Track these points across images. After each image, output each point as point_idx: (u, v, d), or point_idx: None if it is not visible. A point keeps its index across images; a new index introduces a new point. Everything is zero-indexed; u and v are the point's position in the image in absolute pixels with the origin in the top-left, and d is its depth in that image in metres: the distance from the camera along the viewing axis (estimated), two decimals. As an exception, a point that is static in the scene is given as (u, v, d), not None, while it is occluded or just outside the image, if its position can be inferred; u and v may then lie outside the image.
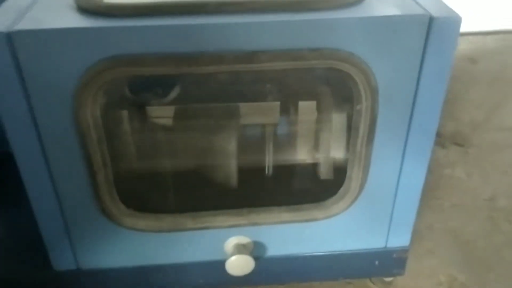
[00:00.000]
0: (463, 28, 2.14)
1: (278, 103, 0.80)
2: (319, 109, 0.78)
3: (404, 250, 0.85)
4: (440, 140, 1.33)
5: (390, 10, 0.64)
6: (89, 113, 0.64)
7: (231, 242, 0.79)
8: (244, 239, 0.79)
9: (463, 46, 1.85)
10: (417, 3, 0.66)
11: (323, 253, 0.84)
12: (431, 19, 0.62)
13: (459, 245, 1.02)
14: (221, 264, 0.80)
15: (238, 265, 0.77)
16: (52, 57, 0.60)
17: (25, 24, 0.60)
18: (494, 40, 1.91)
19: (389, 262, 0.86)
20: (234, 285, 0.88)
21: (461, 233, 1.04)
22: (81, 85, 0.62)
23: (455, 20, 0.63)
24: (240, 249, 0.79)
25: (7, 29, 0.59)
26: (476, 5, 2.01)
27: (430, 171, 1.26)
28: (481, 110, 1.47)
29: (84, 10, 0.63)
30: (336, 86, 0.80)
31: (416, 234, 1.02)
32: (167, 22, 0.61)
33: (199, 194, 0.80)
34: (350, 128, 0.73)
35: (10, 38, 0.58)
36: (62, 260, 0.79)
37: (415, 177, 0.76)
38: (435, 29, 0.62)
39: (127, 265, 0.80)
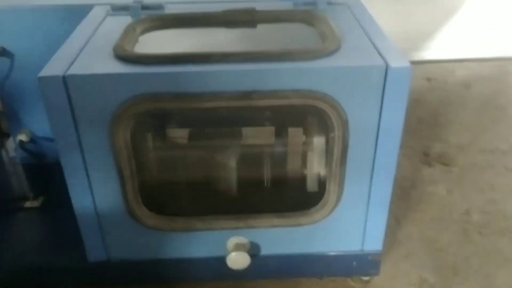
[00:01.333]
0: (461, 55, 2.30)
1: (273, 128, 0.98)
2: (305, 133, 0.96)
3: (377, 253, 1.01)
4: (427, 159, 1.48)
5: (354, 60, 0.82)
6: (122, 136, 0.83)
7: (232, 241, 0.97)
8: (242, 239, 0.97)
9: (459, 72, 2.00)
10: (378, 53, 0.83)
11: (308, 253, 1.00)
12: (387, 68, 0.79)
13: (432, 252, 1.16)
14: (222, 259, 0.97)
15: (237, 260, 0.94)
16: (95, 94, 0.80)
17: (76, 70, 0.80)
18: (489, 66, 2.05)
19: (365, 263, 1.02)
20: (233, 278, 1.05)
21: (435, 242, 1.19)
22: (116, 116, 0.81)
23: (406, 68, 0.80)
24: (239, 247, 0.96)
25: (62, 73, 0.78)
26: (474, 34, 2.16)
27: (414, 187, 1.42)
28: (469, 133, 1.62)
29: (120, 58, 0.83)
30: (317, 116, 0.97)
31: (395, 242, 1.19)
32: (182, 69, 0.80)
33: (206, 201, 0.99)
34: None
35: (65, 80, 0.78)
36: (95, 253, 0.98)
37: (383, 191, 0.92)
38: (390, 75, 0.79)
39: (147, 258, 0.99)
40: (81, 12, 1.10)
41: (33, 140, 1.25)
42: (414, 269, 1.12)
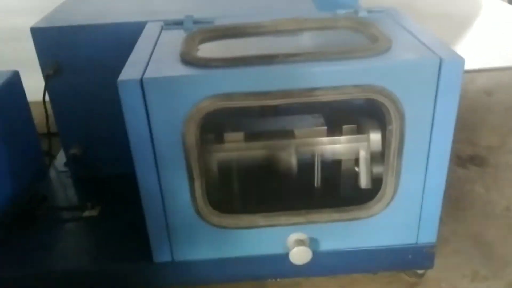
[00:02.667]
0: (481, 65, 2.38)
1: (325, 128, 1.03)
2: (359, 131, 1.00)
3: (432, 246, 1.04)
4: (461, 162, 1.52)
5: (410, 56, 0.87)
6: (193, 136, 0.88)
7: (292, 237, 1.00)
8: (302, 235, 1.00)
9: (480, 80, 2.06)
10: (430, 49, 0.89)
11: (364, 248, 1.04)
12: (441, 61, 0.85)
13: (480, 246, 1.20)
14: (282, 257, 1.01)
15: (300, 255, 0.98)
16: (169, 96, 0.85)
17: (150, 73, 0.85)
18: (508, 75, 2.11)
19: (420, 256, 1.05)
20: (291, 276, 1.09)
21: (481, 237, 1.22)
22: (189, 117, 0.86)
23: (459, 61, 0.85)
24: (299, 243, 1.00)
25: (139, 77, 0.84)
26: (491, 44, 2.23)
27: (453, 187, 1.45)
28: (497, 136, 1.67)
29: (189, 63, 0.88)
30: (370, 113, 1.03)
31: (442, 238, 1.21)
32: (248, 70, 0.85)
33: (268, 198, 1.03)
34: (384, 145, 0.95)
35: (142, 83, 0.84)
36: (161, 253, 1.02)
37: (437, 182, 0.96)
38: (444, 68, 0.85)
39: (210, 257, 1.02)
40: (131, 30, 1.17)
41: (85, 154, 1.31)
42: (465, 262, 1.15)
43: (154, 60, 0.91)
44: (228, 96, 0.85)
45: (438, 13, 2.20)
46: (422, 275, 1.10)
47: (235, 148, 1.02)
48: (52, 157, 1.44)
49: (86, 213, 1.18)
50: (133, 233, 1.12)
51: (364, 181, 1.03)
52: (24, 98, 1.32)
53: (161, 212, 0.96)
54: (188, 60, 0.89)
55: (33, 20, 2.21)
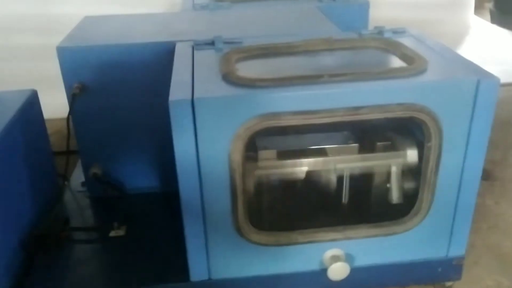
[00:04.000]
0: None
1: (357, 145, 1.05)
2: (393, 148, 1.03)
3: (461, 258, 1.08)
4: (468, 175, 1.57)
5: (449, 76, 0.91)
6: (238, 155, 0.89)
7: (328, 254, 1.02)
8: (338, 251, 1.02)
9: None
10: (465, 69, 0.93)
11: (398, 262, 1.06)
12: (479, 81, 0.89)
13: (498, 257, 1.24)
14: (317, 273, 1.02)
15: (338, 271, 0.99)
16: (218, 116, 0.86)
17: (200, 93, 0.86)
18: (503, 91, 2.20)
19: (449, 268, 1.09)
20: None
21: (499, 248, 1.27)
22: (236, 135, 0.87)
23: (495, 81, 0.90)
24: (336, 259, 1.01)
25: (189, 97, 0.85)
26: (485, 61, 2.33)
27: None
28: (498, 151, 1.73)
29: (233, 82, 0.90)
30: (401, 130, 1.06)
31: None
32: (295, 90, 0.87)
33: (306, 215, 1.05)
34: (420, 162, 0.98)
35: (193, 103, 0.84)
36: (198, 272, 1.01)
37: (469, 196, 1.00)
38: (481, 87, 0.89)
39: (246, 275, 1.02)
40: (155, 50, 1.18)
41: (105, 173, 1.29)
42: (486, 273, 1.18)
43: (198, 80, 0.92)
44: (276, 115, 0.87)
45: (431, 33, 2.29)
46: (449, 287, 1.13)
47: (269, 166, 1.03)
48: (65, 177, 1.42)
49: (113, 233, 1.17)
50: (163, 252, 1.11)
51: (395, 197, 1.06)
52: (41, 116, 1.30)
53: (201, 230, 0.96)
54: (233, 80, 0.90)
55: (35, 38, 2.19)
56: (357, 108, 0.88)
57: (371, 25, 1.61)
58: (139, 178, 1.31)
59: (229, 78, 0.91)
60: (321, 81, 0.88)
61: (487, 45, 2.72)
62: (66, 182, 1.40)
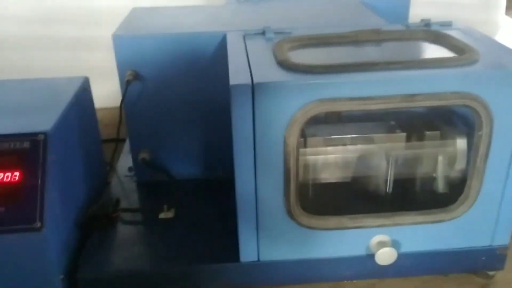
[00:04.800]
0: None
1: (404, 134, 1.08)
2: (442, 137, 1.05)
3: (505, 247, 1.09)
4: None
5: (501, 65, 0.93)
6: (294, 139, 0.92)
7: (375, 239, 1.04)
8: (385, 237, 1.04)
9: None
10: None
11: (442, 250, 1.08)
12: (528, 71, 0.90)
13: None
14: (363, 258, 1.05)
15: (386, 256, 1.02)
16: (276, 100, 0.89)
17: (258, 78, 0.90)
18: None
19: (493, 257, 1.10)
20: (367, 277, 1.12)
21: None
22: (293, 120, 0.90)
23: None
24: (382, 245, 1.03)
25: (249, 82, 0.88)
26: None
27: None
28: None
29: (289, 69, 0.93)
30: (456, 119, 1.08)
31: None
32: (351, 76, 0.90)
33: (355, 200, 1.07)
34: (469, 150, 1.00)
35: (253, 87, 0.88)
36: (248, 253, 1.05)
37: (516, 186, 1.01)
38: (532, 77, 0.91)
39: (294, 258, 1.05)
40: (205, 40, 1.22)
41: (153, 159, 1.34)
42: (529, 264, 1.20)
43: (254, 67, 0.95)
44: (332, 100, 0.90)
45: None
46: (492, 277, 1.15)
47: (318, 152, 1.06)
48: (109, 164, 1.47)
49: (162, 215, 1.21)
50: (211, 234, 1.15)
51: (441, 186, 1.08)
52: (93, 103, 1.36)
53: (253, 213, 1.00)
54: (289, 66, 0.93)
55: (76, 29, 2.25)
56: (412, 95, 0.90)
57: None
58: (185, 164, 1.35)
59: (286, 65, 0.94)
60: (377, 68, 0.91)
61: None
62: (111, 167, 1.45)
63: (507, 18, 3.04)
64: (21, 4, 2.09)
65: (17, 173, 0.99)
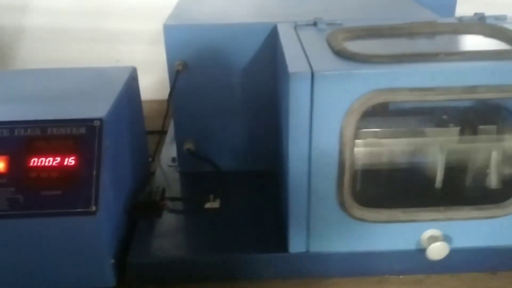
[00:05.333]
0: None
1: (458, 128, 1.07)
2: (498, 132, 1.04)
3: (551, 246, 1.07)
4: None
5: None
6: (352, 129, 0.92)
7: (427, 234, 1.03)
8: (437, 232, 1.03)
9: None
10: None
11: (493, 247, 1.06)
12: None
13: None
14: (413, 252, 1.04)
15: (438, 250, 1.00)
16: (334, 89, 0.89)
17: (317, 68, 0.89)
18: None
19: (541, 256, 1.08)
20: (414, 272, 1.11)
21: None
22: (351, 110, 0.90)
23: None
24: (434, 239, 1.02)
25: (309, 70, 0.88)
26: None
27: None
28: None
29: (348, 58, 0.93)
30: (501, 116, 1.06)
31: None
32: (412, 67, 0.89)
33: (409, 194, 1.06)
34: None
35: (313, 76, 0.88)
36: (297, 244, 1.05)
37: None
38: None
39: (346, 250, 1.04)
40: (254, 31, 1.22)
41: (198, 150, 1.35)
42: None
43: (311, 56, 0.95)
44: (392, 91, 0.89)
45: None
46: (540, 276, 1.12)
47: (372, 144, 1.05)
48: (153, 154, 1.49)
49: (208, 205, 1.22)
50: (258, 225, 1.16)
51: (494, 182, 1.06)
52: (139, 92, 1.37)
53: (305, 204, 0.99)
54: (347, 56, 0.93)
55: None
56: (474, 87, 0.89)
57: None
58: (228, 155, 1.36)
59: (344, 54, 0.93)
60: (438, 59, 0.90)
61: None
62: (154, 158, 1.47)
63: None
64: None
65: (73, 158, 1.01)
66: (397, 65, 0.89)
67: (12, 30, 2.14)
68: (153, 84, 1.90)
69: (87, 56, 2.10)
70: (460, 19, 1.16)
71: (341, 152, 0.94)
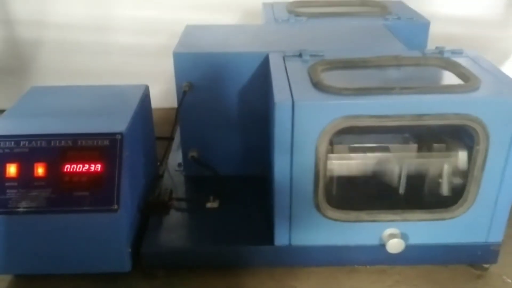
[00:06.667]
0: None
1: (416, 145, 1.29)
2: (447, 149, 1.26)
3: (498, 244, 1.28)
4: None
5: (497, 93, 1.13)
6: (324, 147, 1.14)
7: (387, 232, 1.25)
8: (395, 230, 1.25)
9: None
10: (507, 87, 1.15)
11: (444, 244, 1.28)
12: (519, 99, 1.10)
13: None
14: (377, 247, 1.27)
15: (395, 245, 1.23)
16: (311, 115, 1.11)
17: (297, 98, 1.12)
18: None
19: (488, 253, 1.30)
20: (378, 263, 1.34)
21: (533, 242, 1.47)
22: (324, 132, 1.12)
23: (535, 99, 1.11)
24: (393, 236, 1.25)
25: (290, 100, 1.11)
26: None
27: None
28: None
29: (323, 90, 1.15)
30: (455, 135, 1.28)
31: (501, 241, 1.45)
32: (372, 98, 1.12)
33: (372, 199, 1.29)
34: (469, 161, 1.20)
35: (293, 105, 1.10)
36: (281, 238, 1.27)
37: (508, 193, 1.20)
38: (524, 104, 1.11)
39: (321, 244, 1.27)
40: (249, 58, 1.44)
41: (201, 157, 1.57)
42: (520, 260, 1.39)
43: (294, 87, 1.17)
44: (356, 117, 1.11)
45: (481, 47, 2.49)
46: (486, 269, 1.34)
47: (343, 157, 1.28)
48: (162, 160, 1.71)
49: (209, 205, 1.44)
50: (251, 222, 1.38)
51: (445, 190, 1.28)
52: (151, 107, 1.59)
53: (288, 205, 1.22)
54: (322, 88, 1.15)
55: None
56: (421, 115, 1.11)
57: (430, 39, 1.83)
58: (227, 163, 1.58)
59: (320, 86, 1.16)
60: (393, 92, 1.12)
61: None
62: (162, 163, 1.69)
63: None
64: (76, 12, 2.35)
65: (99, 165, 1.24)
66: (360, 96, 1.12)
67: (32, 43, 2.36)
68: (161, 93, 2.12)
69: (101, 68, 2.31)
70: (423, 52, 1.38)
71: (316, 165, 1.16)
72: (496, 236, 1.27)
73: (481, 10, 2.80)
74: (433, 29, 1.88)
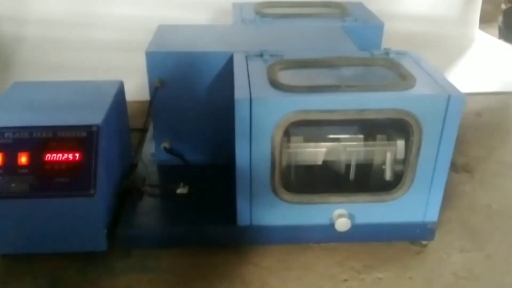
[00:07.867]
0: (472, 89, 2.94)
1: (362, 136, 1.45)
2: (388, 139, 1.42)
3: (434, 223, 1.46)
4: (454, 168, 1.94)
5: (429, 91, 1.30)
6: (278, 137, 1.29)
7: (336, 212, 1.42)
8: (343, 211, 1.42)
9: (471, 103, 2.50)
10: (441, 86, 1.31)
11: (387, 223, 1.45)
12: (449, 96, 1.27)
13: (467, 229, 1.61)
14: (328, 226, 1.43)
15: (343, 224, 1.39)
16: (266, 110, 1.26)
17: (254, 95, 1.26)
18: (495, 98, 2.56)
19: (425, 230, 1.47)
20: (330, 241, 1.50)
21: (468, 223, 1.64)
22: (278, 124, 1.27)
23: (462, 96, 1.27)
24: (342, 216, 1.41)
25: (248, 96, 1.25)
26: (484, 72, 2.68)
27: (448, 187, 1.86)
28: (483, 149, 2.10)
29: (278, 87, 1.30)
30: (396, 127, 1.44)
31: (440, 222, 1.62)
32: (321, 95, 1.27)
33: (323, 183, 1.45)
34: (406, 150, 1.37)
35: (251, 101, 1.25)
36: (243, 219, 1.42)
37: (441, 176, 1.38)
38: (451, 101, 1.27)
39: (278, 223, 1.43)
40: (215, 57, 1.58)
41: (173, 147, 1.71)
42: (456, 239, 1.57)
43: (253, 85, 1.32)
44: (306, 112, 1.27)
45: (438, 45, 2.67)
46: (425, 245, 1.52)
47: (298, 147, 1.43)
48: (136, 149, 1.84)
49: (179, 191, 1.58)
50: (217, 205, 1.53)
51: (388, 175, 1.45)
52: (125, 101, 1.72)
53: (248, 189, 1.37)
54: (277, 85, 1.30)
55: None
56: (362, 110, 1.27)
57: (386, 39, 2.00)
58: (196, 152, 1.72)
59: (275, 84, 1.31)
60: (339, 90, 1.28)
61: (487, 56, 3.08)
62: (137, 153, 1.83)
63: (481, 32, 3.40)
64: (56, 9, 2.45)
65: (77, 154, 1.37)
66: (310, 93, 1.27)
67: (12, 39, 2.45)
68: (137, 87, 2.24)
69: (79, 63, 2.42)
70: (372, 53, 1.54)
71: (272, 154, 1.31)
72: (431, 215, 1.45)
73: (439, 10, 3.00)
74: (394, 28, 2.04)
